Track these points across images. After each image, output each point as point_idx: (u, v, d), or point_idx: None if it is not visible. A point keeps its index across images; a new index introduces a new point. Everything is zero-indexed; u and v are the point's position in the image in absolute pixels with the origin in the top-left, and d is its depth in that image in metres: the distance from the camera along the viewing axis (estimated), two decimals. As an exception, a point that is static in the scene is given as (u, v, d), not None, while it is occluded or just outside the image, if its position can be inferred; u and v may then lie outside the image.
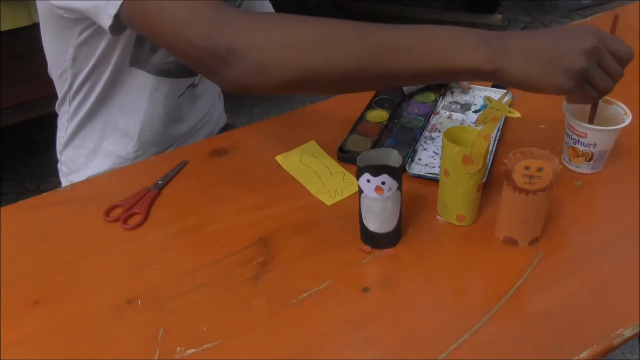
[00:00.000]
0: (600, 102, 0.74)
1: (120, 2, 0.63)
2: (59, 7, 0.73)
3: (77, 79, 0.85)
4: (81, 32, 0.78)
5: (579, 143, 0.72)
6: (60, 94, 0.90)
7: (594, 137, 0.70)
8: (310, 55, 0.60)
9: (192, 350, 0.55)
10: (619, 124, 0.70)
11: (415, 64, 0.60)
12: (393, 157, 0.62)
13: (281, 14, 0.63)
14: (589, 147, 0.71)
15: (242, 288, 0.61)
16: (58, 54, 0.83)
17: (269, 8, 1.03)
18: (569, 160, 0.74)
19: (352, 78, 0.62)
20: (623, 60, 0.62)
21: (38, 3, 0.78)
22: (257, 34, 0.60)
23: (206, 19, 0.61)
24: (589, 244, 0.65)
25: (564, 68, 0.58)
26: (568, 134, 0.73)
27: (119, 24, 0.66)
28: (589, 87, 0.61)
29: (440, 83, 0.65)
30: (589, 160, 0.73)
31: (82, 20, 0.74)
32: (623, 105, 0.72)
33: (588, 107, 0.75)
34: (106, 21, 0.66)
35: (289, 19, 0.62)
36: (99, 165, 0.92)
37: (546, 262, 0.62)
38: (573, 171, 0.75)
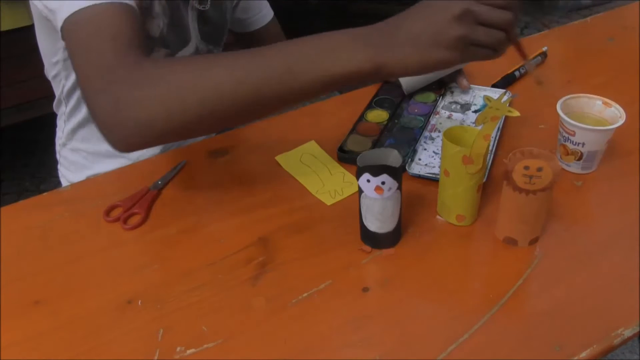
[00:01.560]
0: (600, 104, 0.74)
1: (61, 23, 0.64)
2: (41, 7, 0.73)
3: (69, 80, 0.85)
4: None
5: (569, 141, 0.72)
6: (56, 95, 0.90)
7: (582, 135, 0.70)
8: (189, 104, 0.58)
9: (192, 350, 0.55)
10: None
11: (295, 83, 0.59)
12: (393, 157, 0.62)
13: (172, 59, 0.62)
14: (578, 145, 0.71)
15: (242, 288, 0.61)
16: (50, 55, 0.83)
17: (267, 7, 1.03)
18: (561, 158, 0.75)
19: (235, 113, 0.61)
20: (508, 7, 0.56)
21: (30, 3, 0.78)
22: (141, 91, 0.58)
23: (102, 74, 0.60)
24: (589, 244, 0.65)
25: (442, 43, 0.55)
26: (560, 131, 0.73)
27: None
28: (478, 48, 0.57)
29: (327, 93, 0.64)
30: (579, 160, 0.73)
31: None
32: (620, 108, 0.72)
33: (585, 107, 0.75)
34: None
35: (172, 67, 0.61)
36: (103, 166, 0.92)
37: (546, 262, 0.62)
38: (567, 170, 0.75)
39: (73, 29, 0.63)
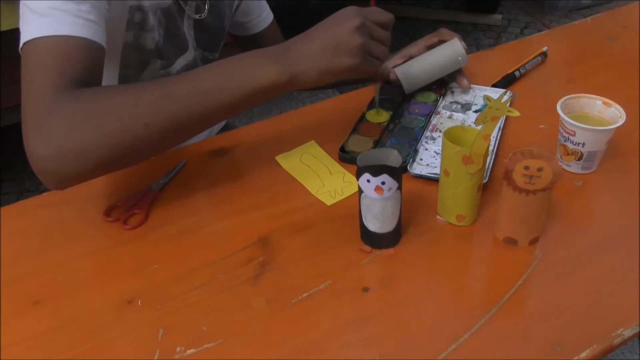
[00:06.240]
0: (600, 104, 0.74)
1: (20, 45, 0.66)
2: None
3: None
4: None
5: (569, 141, 0.72)
6: None
7: (582, 135, 0.70)
8: (118, 134, 0.60)
9: (192, 350, 0.55)
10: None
11: (222, 99, 0.64)
12: (393, 157, 0.62)
13: (110, 90, 0.64)
14: (578, 145, 0.71)
15: (242, 288, 0.61)
16: None
17: (267, 10, 1.03)
18: (561, 158, 0.75)
19: (162, 139, 0.64)
20: (387, 26, 0.70)
21: None
22: (71, 122, 0.60)
23: (40, 105, 0.61)
24: (589, 244, 0.65)
25: (346, 50, 0.65)
26: (560, 131, 0.73)
27: None
28: (372, 58, 0.69)
29: (251, 107, 0.70)
30: (579, 160, 0.73)
31: None
32: (620, 108, 0.72)
33: (585, 107, 0.75)
34: None
35: (103, 99, 0.62)
36: None
37: (546, 262, 0.62)
38: (567, 170, 0.75)
39: (26, 55, 0.65)
